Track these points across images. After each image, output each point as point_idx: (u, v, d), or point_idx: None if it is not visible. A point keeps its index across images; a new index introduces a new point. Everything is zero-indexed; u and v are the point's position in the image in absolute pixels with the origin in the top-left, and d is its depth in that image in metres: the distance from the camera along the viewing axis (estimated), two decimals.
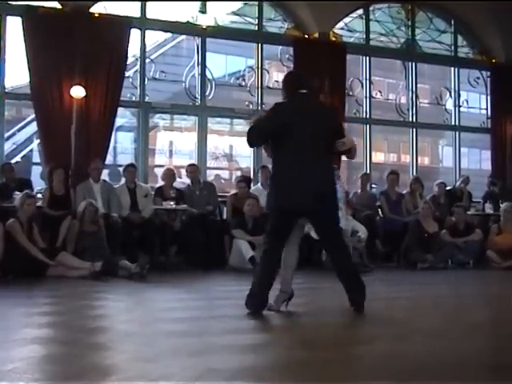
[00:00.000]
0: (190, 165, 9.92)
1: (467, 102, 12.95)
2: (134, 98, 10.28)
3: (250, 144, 5.31)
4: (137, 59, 10.32)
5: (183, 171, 10.23)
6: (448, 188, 11.07)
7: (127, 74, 10.15)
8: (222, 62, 16.79)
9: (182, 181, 10.46)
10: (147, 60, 10.45)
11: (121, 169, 9.56)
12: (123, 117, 11.75)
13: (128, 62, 10.02)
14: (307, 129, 4.93)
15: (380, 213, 10.39)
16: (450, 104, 12.71)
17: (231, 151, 16.52)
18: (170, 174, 9.55)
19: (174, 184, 9.60)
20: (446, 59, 12.58)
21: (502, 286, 8.09)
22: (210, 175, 12.36)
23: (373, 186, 11.35)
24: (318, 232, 5.19)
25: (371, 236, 9.39)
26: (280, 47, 11.32)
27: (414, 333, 4.37)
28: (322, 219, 5.04)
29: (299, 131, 4.92)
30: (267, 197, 5.23)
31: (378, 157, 23.09)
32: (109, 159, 10.32)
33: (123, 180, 9.35)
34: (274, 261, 5.08)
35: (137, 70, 10.33)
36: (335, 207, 5.06)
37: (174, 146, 14.99)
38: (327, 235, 5.12)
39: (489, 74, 12.75)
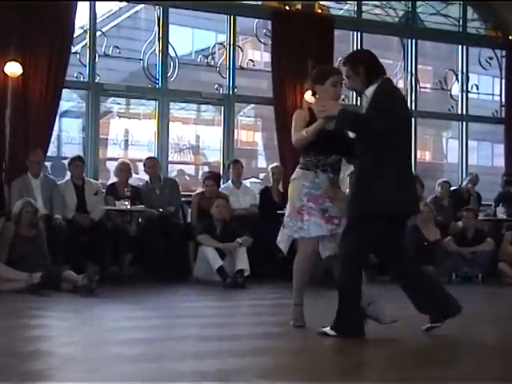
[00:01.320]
0: (148, 158, 9.92)
1: (477, 86, 13.03)
2: (82, 78, 10.24)
3: (370, 136, 5.06)
4: (85, 31, 10.28)
5: (140, 165, 10.22)
6: (453, 188, 11.17)
7: (74, 49, 10.10)
8: (188, 37, 16.80)
9: (139, 177, 10.45)
10: (98, 33, 10.41)
11: (66, 162, 9.51)
12: (69, 100, 11.71)
13: (75, 35, 9.98)
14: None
15: None
16: (456, 89, 12.79)
17: (198, 143, 16.52)
18: (125, 169, 9.54)
19: (130, 181, 9.59)
20: (452, 35, 12.64)
21: None
22: (173, 171, 12.37)
23: None
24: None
25: None
26: (256, 20, 11.35)
27: (407, 357, 4.42)
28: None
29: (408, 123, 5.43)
30: (358, 199, 5.16)
31: None
32: (51, 150, 10.28)
33: (68, 175, 9.31)
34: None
35: (85, 45, 10.28)
36: None
37: (131, 135, 14.93)
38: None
39: (504, 53, 12.84)
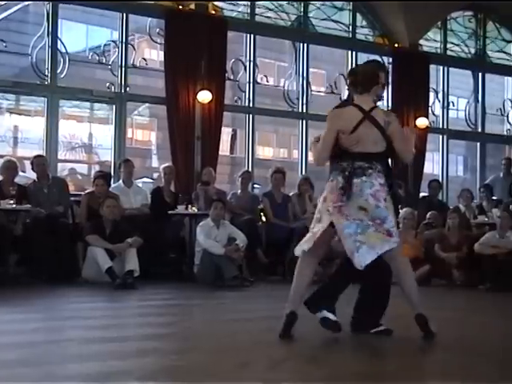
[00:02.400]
0: (36, 156, 9.69)
1: None
2: None
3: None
4: None
5: (29, 164, 9.96)
6: None
7: None
8: (82, 34, 16.50)
9: (26, 175, 10.19)
10: None
11: None
12: None
13: None
14: None
15: (263, 218, 10.51)
16: (347, 93, 12.97)
17: (91, 141, 16.25)
18: (11, 167, 9.28)
19: (17, 179, 9.34)
20: (342, 41, 12.91)
21: (397, 303, 8.38)
22: (64, 169, 12.13)
23: (255, 186, 11.50)
24: None
25: (252, 244, 9.50)
26: (150, 19, 11.24)
27: (290, 358, 4.44)
28: None
29: None
30: None
31: (266, 152, 23.49)
32: None
33: None
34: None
35: None
36: None
37: (20, 132, 14.57)
38: None
39: (390, 60, 13.17)
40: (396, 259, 5.02)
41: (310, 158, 12.97)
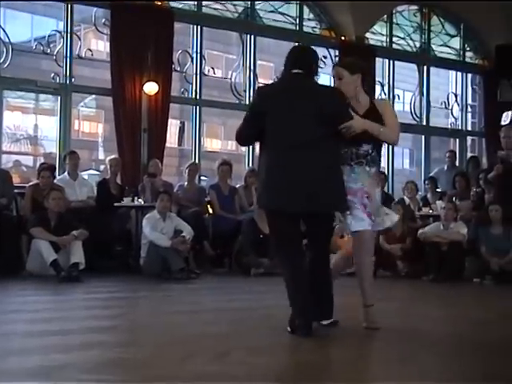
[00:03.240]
0: None
1: None
2: None
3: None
4: None
5: None
6: None
7: None
8: (27, 24, 16.26)
9: None
10: None
11: None
12: None
13: None
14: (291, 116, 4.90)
15: (210, 210, 10.50)
16: None
17: (36, 133, 16.04)
18: None
19: None
20: (289, 33, 12.91)
21: (342, 294, 8.46)
22: (9, 161, 11.96)
23: (203, 178, 11.48)
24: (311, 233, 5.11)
25: (199, 237, 9.49)
26: (95, 9, 11.12)
27: (235, 349, 4.45)
28: (319, 222, 5.03)
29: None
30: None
31: (214, 144, 23.47)
32: None
33: None
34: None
35: None
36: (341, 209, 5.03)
37: None
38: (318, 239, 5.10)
39: (337, 52, 13.24)
40: (370, 241, 5.15)
41: (257, 150, 13.01)
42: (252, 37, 12.44)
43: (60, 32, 11.01)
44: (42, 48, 10.99)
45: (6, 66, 10.35)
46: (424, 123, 14.63)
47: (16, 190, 9.68)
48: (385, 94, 13.95)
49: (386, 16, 13.96)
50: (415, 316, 6.11)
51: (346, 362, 4.20)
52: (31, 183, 9.64)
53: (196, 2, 11.90)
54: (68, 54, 10.73)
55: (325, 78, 14.65)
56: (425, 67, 14.64)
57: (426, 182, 12.31)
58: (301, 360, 4.23)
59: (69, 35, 10.75)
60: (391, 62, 14.14)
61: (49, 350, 4.26)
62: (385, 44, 14.11)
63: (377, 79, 13.63)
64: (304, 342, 4.66)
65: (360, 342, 4.91)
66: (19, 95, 12.19)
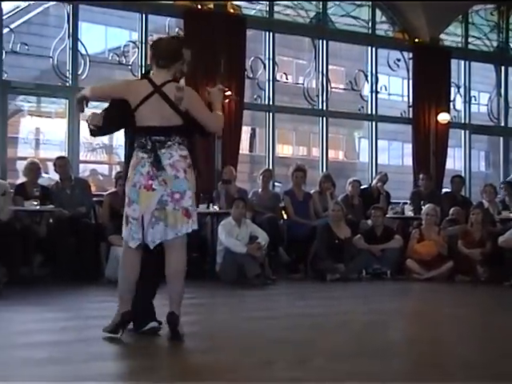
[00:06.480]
0: (58, 158, 9.75)
1: (386, 87, 13.30)
2: None
3: None
4: None
5: (51, 165, 10.06)
6: (363, 187, 11.37)
7: None
8: (101, 35, 16.61)
9: (50, 176, 10.29)
10: (5, 30, 10.19)
11: None
12: None
13: None
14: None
15: (284, 216, 10.56)
16: (366, 90, 13.02)
17: (111, 142, 16.33)
18: (34, 168, 9.37)
19: (40, 180, 9.43)
20: (361, 37, 12.89)
21: (420, 300, 8.42)
22: (86, 170, 12.21)
23: (276, 184, 11.52)
24: None
25: (274, 243, 9.53)
26: (168, 19, 11.31)
27: (316, 355, 4.48)
28: None
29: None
30: None
31: (285, 150, 23.53)
32: None
33: None
34: None
35: None
36: None
37: (42, 134, 14.70)
38: None
39: (411, 55, 13.14)
40: (183, 248, 5.11)
41: (331, 155, 13.03)
42: (324, 42, 12.46)
43: (134, 42, 11.24)
44: (117, 58, 11.23)
45: (83, 77, 10.61)
46: (502, 124, 14.39)
47: (94, 199, 9.91)
48: (460, 96, 13.79)
49: (461, 16, 13.78)
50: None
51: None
52: (109, 191, 9.83)
53: (268, 9, 11.97)
54: (143, 64, 10.94)
55: (397, 81, 14.70)
56: (502, 67, 14.42)
57: (502, 186, 12.03)
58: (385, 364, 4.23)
59: (143, 45, 10.95)
60: (467, 63, 13.96)
61: (137, 355, 4.36)
62: (460, 45, 13.93)
63: (452, 81, 13.49)
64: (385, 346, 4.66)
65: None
66: (94, 105, 12.43)
